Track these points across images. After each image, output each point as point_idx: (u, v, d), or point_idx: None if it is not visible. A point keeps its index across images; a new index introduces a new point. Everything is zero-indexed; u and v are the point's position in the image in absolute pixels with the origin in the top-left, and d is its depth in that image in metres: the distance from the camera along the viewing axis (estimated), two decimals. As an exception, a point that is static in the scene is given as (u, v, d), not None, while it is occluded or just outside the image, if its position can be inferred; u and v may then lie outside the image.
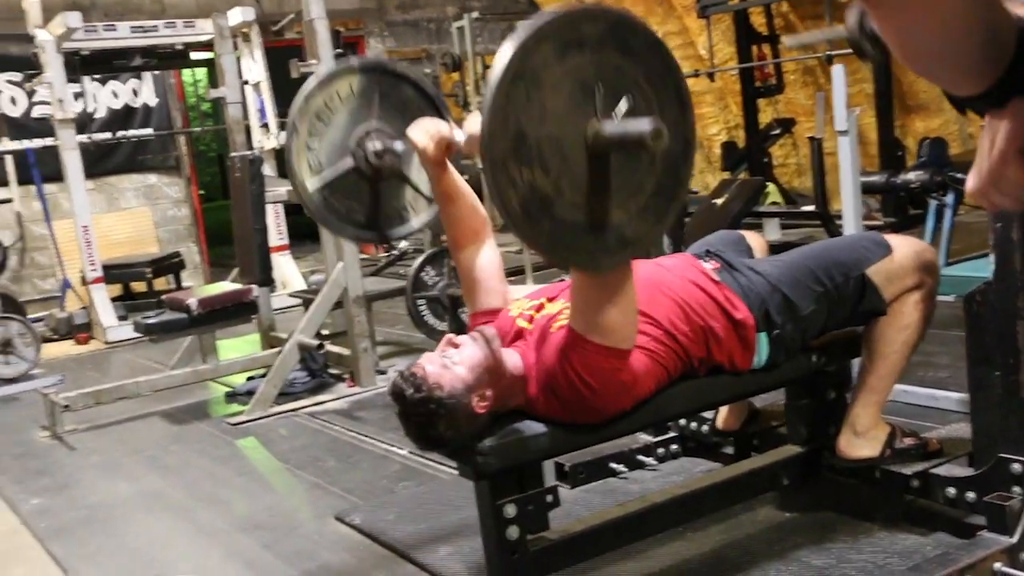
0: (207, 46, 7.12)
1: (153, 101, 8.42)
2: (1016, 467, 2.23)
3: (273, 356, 4.93)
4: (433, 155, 2.21)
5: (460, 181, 2.33)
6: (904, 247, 2.41)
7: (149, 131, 8.38)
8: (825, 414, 2.64)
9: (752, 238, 2.83)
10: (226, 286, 5.00)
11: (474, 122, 2.08)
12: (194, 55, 7.44)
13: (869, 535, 2.48)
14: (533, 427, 2.12)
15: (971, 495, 2.33)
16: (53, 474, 3.92)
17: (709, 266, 2.41)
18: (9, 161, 7.44)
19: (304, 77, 4.75)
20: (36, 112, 7.79)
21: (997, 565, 2.15)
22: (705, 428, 3.04)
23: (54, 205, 7.52)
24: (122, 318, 6.81)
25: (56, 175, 7.16)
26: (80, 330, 6.80)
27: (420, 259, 4.60)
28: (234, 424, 4.31)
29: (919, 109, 7.89)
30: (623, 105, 1.75)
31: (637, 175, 1.81)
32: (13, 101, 7.88)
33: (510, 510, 2.15)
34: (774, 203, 6.90)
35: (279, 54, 7.12)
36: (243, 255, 4.67)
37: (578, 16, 1.73)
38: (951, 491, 2.38)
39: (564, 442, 2.19)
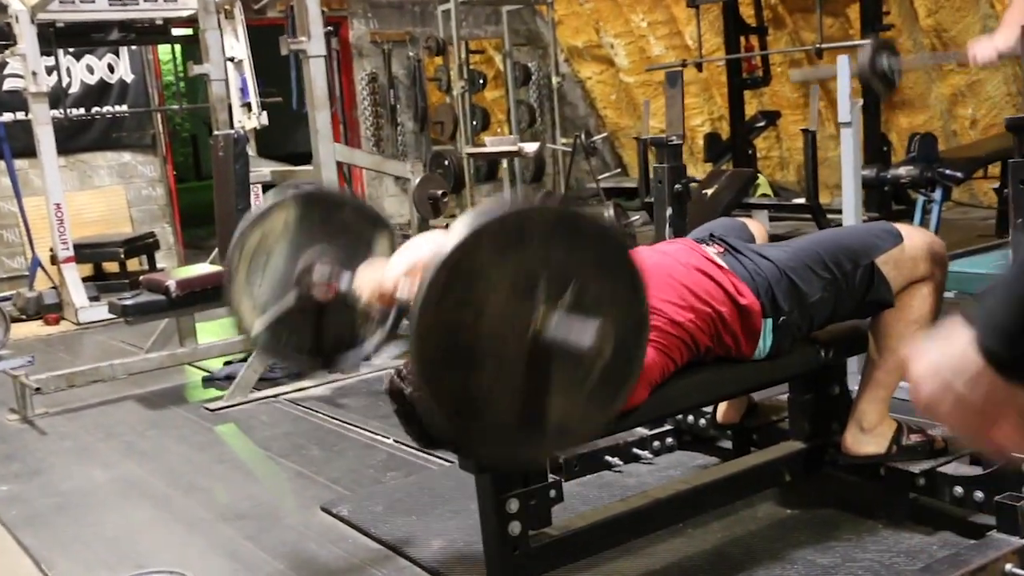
0: (187, 22, 6.98)
1: (129, 77, 8.23)
2: (1028, 467, 2.18)
3: (243, 336, 4.81)
4: (376, 307, 2.12)
5: None
6: (915, 237, 2.36)
7: (126, 108, 8.20)
8: (828, 409, 2.59)
9: (753, 226, 2.77)
10: (205, 268, 4.88)
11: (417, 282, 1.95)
12: (174, 31, 7.28)
13: (873, 533, 2.43)
14: (537, 420, 2.04)
15: (979, 494, 2.29)
16: (23, 459, 3.79)
17: (712, 250, 2.34)
18: (-22, 135, 7.25)
19: (294, 55, 4.64)
20: (7, 85, 7.59)
21: (1008, 566, 2.10)
22: (702, 422, 2.98)
23: (24, 181, 7.32)
24: (93, 299, 6.65)
25: (27, 150, 6.98)
26: (50, 310, 6.63)
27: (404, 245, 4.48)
28: (213, 410, 4.20)
29: (904, 105, 7.88)
30: (568, 296, 1.62)
31: (581, 366, 1.67)
32: (-17, 73, 7.68)
33: (513, 505, 2.08)
34: (764, 195, 6.86)
35: (261, 33, 6.99)
36: (224, 236, 4.54)
37: (521, 215, 1.62)
38: (958, 490, 2.33)
39: (569, 435, 2.11)
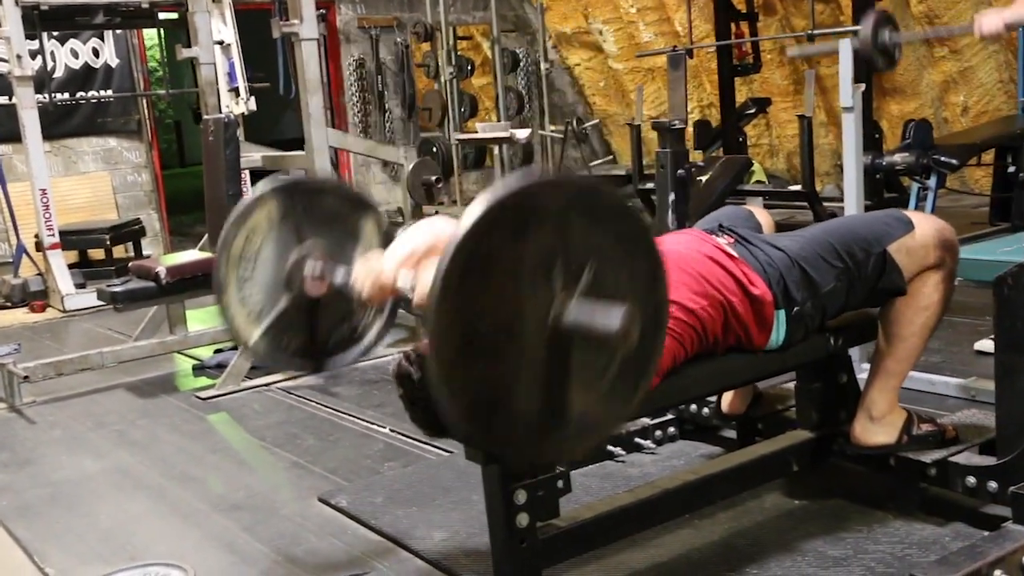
0: (173, 5, 6.87)
1: (115, 62, 8.12)
2: (1044, 457, 2.15)
3: (241, 346, 4.74)
4: (376, 301, 2.06)
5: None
6: (925, 224, 2.33)
7: (111, 93, 8.08)
8: (836, 398, 2.56)
9: (760, 214, 2.73)
10: (195, 254, 4.81)
11: (426, 278, 1.84)
12: (160, 15, 7.17)
13: (884, 524, 2.40)
14: (548, 409, 2.00)
15: (993, 485, 2.26)
16: (13, 449, 3.72)
17: (723, 240, 2.31)
18: (-39, 120, 7.13)
19: (285, 38, 4.56)
20: (-9, 69, 7.47)
21: (1025, 558, 2.08)
22: (705, 411, 2.95)
23: (8, 167, 7.21)
24: (80, 286, 6.57)
25: (10, 135, 6.88)
26: (35, 297, 6.54)
27: (398, 234, 4.42)
28: (204, 398, 4.14)
29: (895, 92, 7.86)
30: (585, 279, 1.55)
31: (602, 356, 1.59)
32: (-34, 57, 7.54)
33: (520, 496, 2.03)
34: (759, 182, 6.82)
35: (248, 17, 6.89)
36: (214, 222, 4.48)
37: (537, 189, 1.54)
38: (971, 480, 2.30)
39: (580, 425, 2.07)
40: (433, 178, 4.86)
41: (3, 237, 7.66)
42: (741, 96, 8.09)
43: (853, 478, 2.61)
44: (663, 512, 2.34)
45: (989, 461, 2.30)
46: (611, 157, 10.23)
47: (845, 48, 3.32)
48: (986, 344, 3.75)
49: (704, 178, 5.19)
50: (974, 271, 2.82)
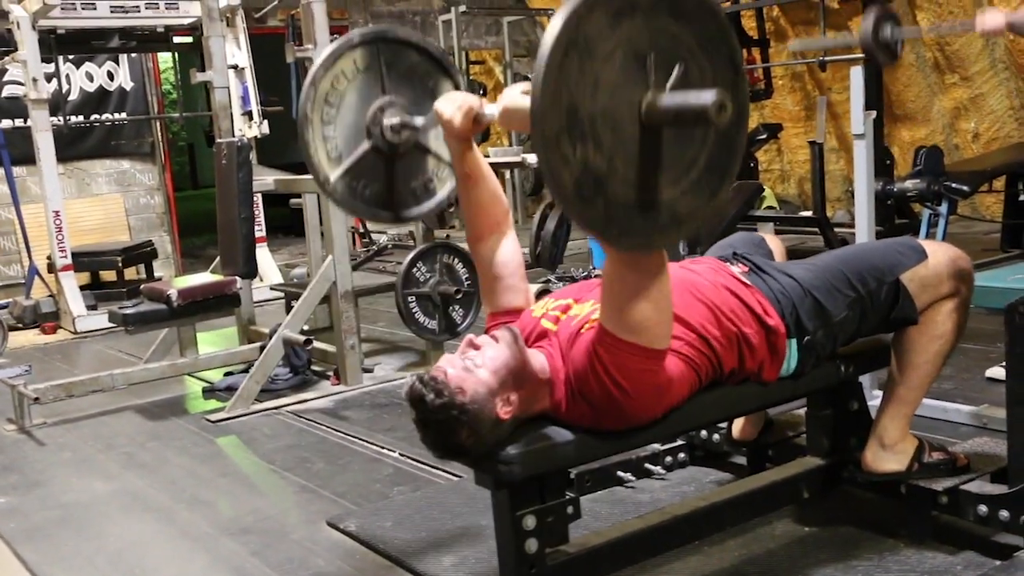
0: (188, 29, 6.94)
1: (129, 85, 8.19)
2: (1056, 486, 2.14)
3: (253, 351, 4.77)
4: (460, 128, 2.07)
5: (484, 163, 2.20)
6: (940, 253, 2.32)
7: (125, 116, 8.15)
8: (847, 425, 2.54)
9: (772, 241, 2.73)
10: (206, 277, 4.83)
11: (510, 95, 1.96)
12: (175, 39, 7.24)
13: (895, 552, 2.38)
14: (560, 434, 2.00)
15: (1005, 514, 2.24)
16: (22, 471, 3.73)
17: (737, 269, 2.30)
18: (-24, 142, 7.19)
19: (299, 62, 4.60)
20: (7, 91, 7.55)
21: (1038, 589, 2.06)
22: (715, 437, 2.94)
23: (22, 189, 7.27)
24: (91, 307, 6.60)
25: (25, 158, 6.94)
26: (47, 319, 6.57)
27: (412, 254, 4.44)
28: (214, 421, 4.14)
29: (906, 119, 7.87)
30: (676, 74, 1.64)
31: (690, 149, 1.71)
32: (-18, 79, 7.63)
33: (530, 522, 2.03)
34: (769, 207, 6.82)
35: (261, 42, 6.96)
36: (226, 245, 4.49)
37: None
38: (983, 509, 2.29)
39: (592, 449, 2.06)
40: (444, 202, 4.87)
41: (16, 259, 7.71)
42: (752, 122, 8.10)
43: (864, 505, 2.60)
44: (673, 539, 2.33)
45: (1001, 489, 2.28)
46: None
47: (856, 76, 3.33)
48: (998, 371, 3.73)
49: (714, 203, 5.18)
50: (985, 298, 2.81)
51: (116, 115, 8.15)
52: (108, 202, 8.28)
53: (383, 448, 3.61)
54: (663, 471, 2.97)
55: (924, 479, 2.38)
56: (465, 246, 4.35)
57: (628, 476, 2.88)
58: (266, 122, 5.99)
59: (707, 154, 1.72)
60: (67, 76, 7.86)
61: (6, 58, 6.30)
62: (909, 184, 5.25)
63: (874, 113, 3.32)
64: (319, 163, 2.22)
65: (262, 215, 7.27)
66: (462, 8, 8.50)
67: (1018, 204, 6.09)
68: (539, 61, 1.54)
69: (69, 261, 6.46)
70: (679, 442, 3.00)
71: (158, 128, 8.53)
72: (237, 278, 4.53)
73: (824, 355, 2.29)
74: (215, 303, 4.51)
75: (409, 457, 3.45)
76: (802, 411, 2.72)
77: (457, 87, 2.37)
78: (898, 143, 7.92)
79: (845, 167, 8.41)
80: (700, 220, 1.80)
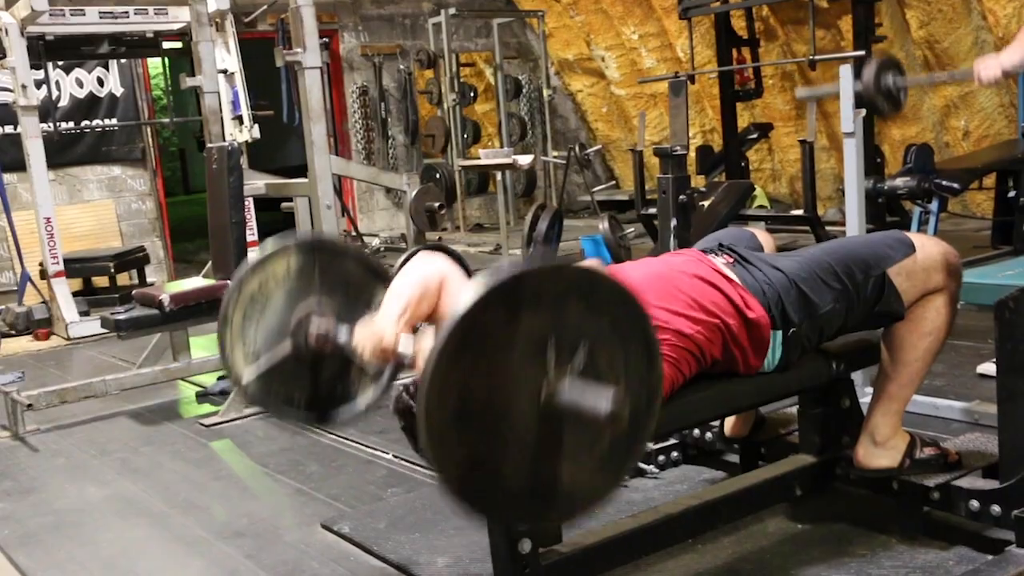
0: (178, 35, 6.93)
1: (119, 91, 8.18)
2: (1047, 481, 2.15)
3: (233, 384, 4.75)
4: (376, 363, 2.04)
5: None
6: (929, 247, 2.33)
7: (115, 121, 8.14)
8: (839, 422, 2.55)
9: (762, 236, 2.73)
10: (199, 282, 4.82)
11: (425, 345, 1.87)
12: (165, 44, 7.24)
13: (887, 548, 2.39)
14: (550, 435, 2.00)
15: (996, 509, 2.25)
16: (15, 477, 3.72)
17: (720, 261, 2.30)
18: (-34, 149, 7.18)
19: (288, 66, 4.61)
20: (-4, 99, 7.53)
21: (1029, 583, 2.07)
22: (708, 435, 2.95)
23: (12, 196, 7.25)
24: (83, 313, 6.59)
25: (15, 164, 6.92)
26: (39, 325, 6.55)
27: (402, 259, 4.44)
28: (208, 425, 4.14)
29: (896, 117, 7.88)
30: (580, 360, 1.58)
31: (592, 434, 1.63)
32: (-29, 87, 7.60)
33: (523, 522, 2.03)
34: (761, 206, 6.84)
35: (251, 46, 6.96)
36: (218, 250, 4.50)
37: (536, 275, 1.58)
38: (975, 504, 2.30)
39: (582, 451, 2.07)
40: (436, 204, 4.88)
41: (8, 265, 7.69)
42: (743, 121, 8.13)
43: (856, 502, 2.61)
44: (666, 537, 2.34)
45: (992, 485, 2.29)
46: (614, 183, 10.27)
47: (846, 73, 3.34)
48: (988, 367, 3.74)
49: (706, 203, 5.20)
50: (976, 295, 2.82)
51: (106, 121, 8.14)
52: (99, 208, 8.26)
53: (376, 450, 3.61)
54: (656, 470, 2.98)
55: (916, 475, 2.39)
56: (458, 247, 4.36)
57: (621, 475, 2.89)
58: (257, 126, 5.99)
59: (612, 437, 1.65)
60: (57, 82, 7.85)
61: (-5, 65, 6.29)
62: (900, 182, 5.27)
63: (863, 112, 3.33)
64: (233, 362, 2.15)
65: (253, 219, 7.25)
66: (452, 11, 8.52)
67: (1008, 201, 6.12)
68: (429, 359, 1.48)
69: (61, 267, 6.44)
70: (672, 441, 3.01)
71: (149, 134, 8.52)
72: (229, 282, 4.52)
73: (809, 347, 2.30)
74: (208, 307, 4.49)
75: (402, 459, 3.45)
76: (794, 409, 2.73)
77: None
78: (888, 141, 7.94)
79: (836, 166, 8.43)
80: (603, 500, 1.75)
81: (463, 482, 1.56)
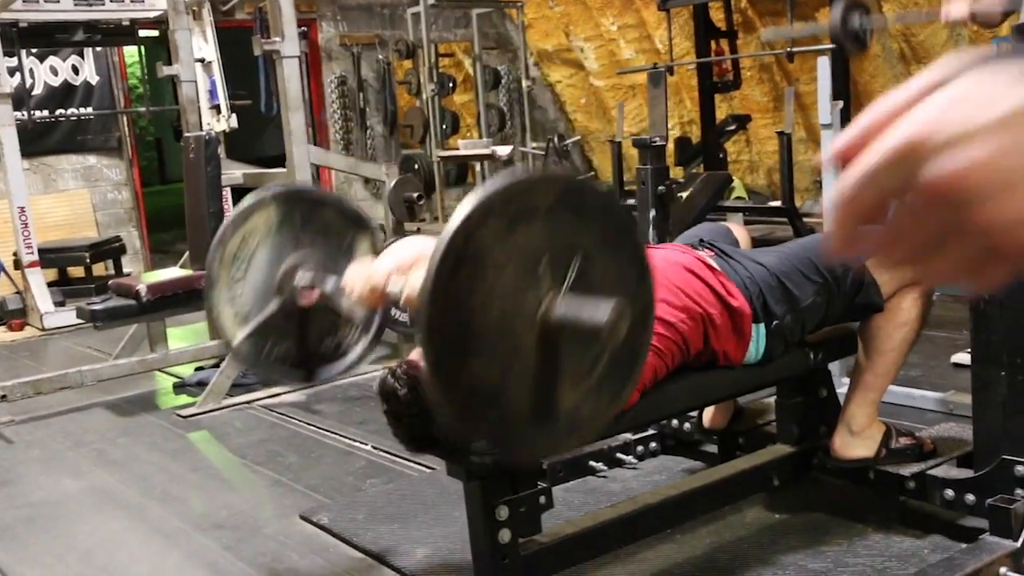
0: (154, 23, 6.86)
1: (95, 79, 8.09)
2: (1020, 469, 2.18)
3: (223, 346, 4.73)
4: (367, 304, 2.03)
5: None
6: (906, 241, 2.34)
7: (91, 110, 8.06)
8: (816, 412, 2.57)
9: (737, 230, 2.76)
10: (176, 272, 4.79)
11: (415, 278, 1.84)
12: (141, 32, 7.16)
13: (863, 537, 2.42)
14: (530, 425, 2.00)
15: (971, 497, 2.28)
16: (-10, 468, 3.69)
17: (704, 254, 2.32)
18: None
19: (266, 55, 4.57)
20: (-32, 87, 7.42)
21: (1003, 570, 2.10)
22: (686, 426, 2.96)
23: (-14, 185, 7.16)
24: (59, 304, 6.52)
25: (-11, 154, 6.82)
26: (13, 316, 6.48)
27: (387, 245, 4.43)
28: (185, 416, 4.12)
29: (866, 107, 7.93)
30: (572, 274, 1.55)
31: (591, 352, 1.60)
32: (-57, 74, 7.50)
33: (502, 512, 2.04)
34: (739, 198, 6.86)
35: (229, 35, 6.90)
36: (195, 240, 4.47)
37: (525, 187, 1.55)
38: (949, 493, 2.32)
39: (562, 441, 2.07)
40: (415, 195, 4.87)
41: (-19, 255, 7.60)
42: (721, 113, 8.14)
43: (833, 492, 2.63)
44: (645, 527, 2.35)
45: (967, 474, 2.32)
46: (592, 173, 10.28)
47: (823, 66, 3.36)
48: (963, 357, 3.77)
49: (685, 194, 5.20)
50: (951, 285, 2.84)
51: (82, 110, 8.06)
52: (75, 198, 8.18)
53: (355, 441, 3.60)
54: (635, 460, 2.99)
55: (891, 465, 2.42)
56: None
57: (600, 466, 2.90)
58: (235, 116, 5.94)
59: (609, 355, 1.61)
60: (31, 70, 7.75)
61: (-33, 52, 6.20)
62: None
63: (841, 103, 3.35)
64: (224, 325, 2.14)
65: (230, 209, 7.22)
66: (431, 1, 8.48)
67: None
68: (425, 280, 1.45)
69: (36, 257, 6.37)
70: (650, 431, 3.02)
71: (125, 123, 8.43)
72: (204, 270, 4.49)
73: (792, 341, 2.32)
74: (185, 298, 4.47)
75: (381, 450, 3.45)
76: (771, 399, 2.75)
77: (374, 245, 2.26)
78: (865, 133, 7.98)
79: (813, 158, 8.47)
80: (602, 424, 1.74)
81: (466, 409, 1.54)
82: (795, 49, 6.58)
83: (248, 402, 4.24)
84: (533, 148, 9.00)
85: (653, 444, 3.04)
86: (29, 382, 4.35)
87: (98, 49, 7.95)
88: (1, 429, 4.17)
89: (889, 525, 2.44)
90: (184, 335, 5.26)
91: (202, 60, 5.27)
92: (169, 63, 5.01)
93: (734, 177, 6.89)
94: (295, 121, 4.49)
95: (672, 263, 2.22)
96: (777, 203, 5.67)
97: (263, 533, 2.86)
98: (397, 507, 2.90)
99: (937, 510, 2.40)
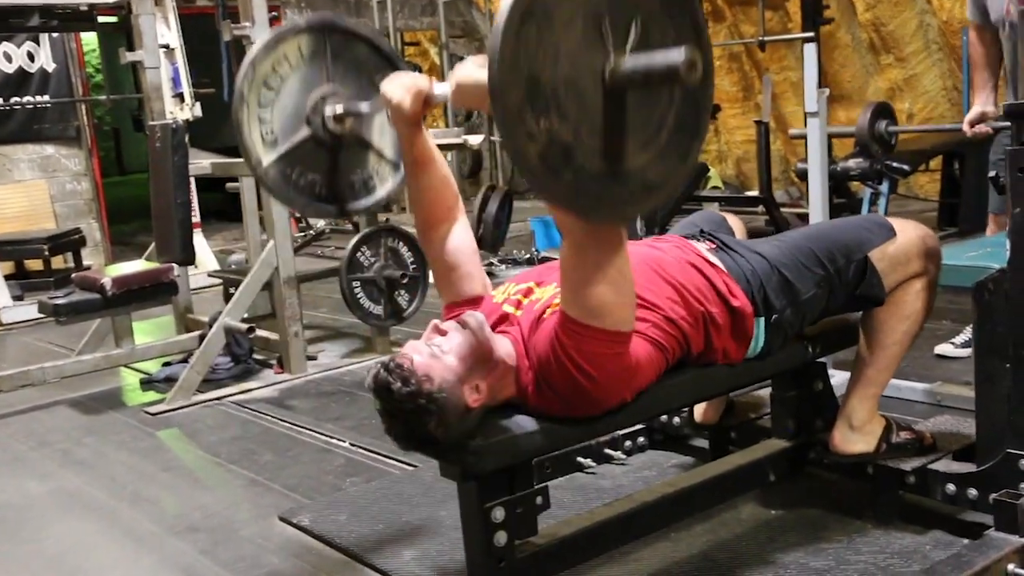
0: (113, 8, 6.67)
1: (51, 66, 7.87)
2: (1025, 463, 2.13)
3: (192, 340, 4.62)
4: (410, 111, 1.96)
5: (434, 147, 2.11)
6: (908, 231, 2.29)
7: (47, 98, 7.84)
8: (813, 406, 2.52)
9: (732, 221, 2.69)
10: (140, 265, 4.65)
11: (465, 71, 1.84)
12: (100, 18, 6.96)
13: (863, 534, 2.36)
14: (527, 423, 1.93)
15: (973, 492, 2.24)
16: (-51, 470, 3.54)
17: (704, 247, 2.25)
18: None
19: (232, 43, 4.44)
20: (-81, 74, 7.19)
21: (1011, 566, 2.05)
22: (676, 420, 2.90)
23: (-61, 176, 6.95)
24: (17, 298, 6.35)
25: (-59, 143, 6.62)
26: (-30, 311, 6.29)
27: (356, 239, 4.32)
28: (154, 414, 3.98)
29: (842, 99, 7.94)
30: (634, 35, 1.58)
31: (657, 112, 1.64)
32: None
33: (499, 514, 1.95)
34: (715, 187, 6.83)
35: (190, 22, 6.72)
36: (162, 231, 4.33)
37: None
38: (951, 487, 2.28)
39: (561, 438, 2.01)
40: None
41: (-66, 248, 7.36)
42: (690, 103, 8.12)
43: (830, 487, 2.58)
44: (641, 526, 2.28)
45: (968, 468, 2.27)
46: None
47: (810, 53, 3.31)
48: (946, 348, 3.76)
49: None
50: (951, 277, 2.80)
51: (38, 98, 7.84)
52: (32, 188, 7.96)
53: (332, 438, 3.50)
54: (623, 456, 2.92)
55: (891, 459, 2.37)
56: (410, 229, 4.25)
57: (588, 462, 2.83)
58: (199, 104, 5.78)
59: (675, 115, 1.66)
60: (-16, 57, 7.53)
61: (-81, 37, 5.98)
62: (852, 163, 5.27)
63: (827, 91, 3.30)
64: (252, 145, 2.11)
65: (195, 200, 7.05)
66: (397, -12, 8.36)
67: (955, 183, 6.18)
68: (495, 32, 1.46)
69: (-8, 250, 6.19)
70: (639, 426, 2.95)
71: (83, 112, 8.22)
72: (174, 265, 4.36)
73: (792, 333, 2.26)
74: (151, 291, 4.33)
75: (360, 447, 3.36)
76: (764, 392, 2.69)
77: None
78: (834, 122, 7.98)
79: (782, 147, 8.47)
80: (672, 187, 1.74)
81: (541, 165, 1.52)
82: (767, 38, 6.54)
83: (219, 398, 4.12)
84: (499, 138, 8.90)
85: (641, 439, 2.97)
86: (-12, 379, 4.19)
87: (55, 36, 7.74)
88: (-41, 429, 4.02)
89: (889, 521, 2.39)
90: (151, 329, 5.11)
91: (165, 46, 5.11)
92: (130, 49, 4.86)
93: (710, 167, 6.84)
94: (264, 109, 4.35)
95: (674, 258, 2.14)
96: (753, 192, 5.62)
97: (240, 535, 2.76)
98: (380, 507, 2.81)
99: (937, 505, 2.35)
